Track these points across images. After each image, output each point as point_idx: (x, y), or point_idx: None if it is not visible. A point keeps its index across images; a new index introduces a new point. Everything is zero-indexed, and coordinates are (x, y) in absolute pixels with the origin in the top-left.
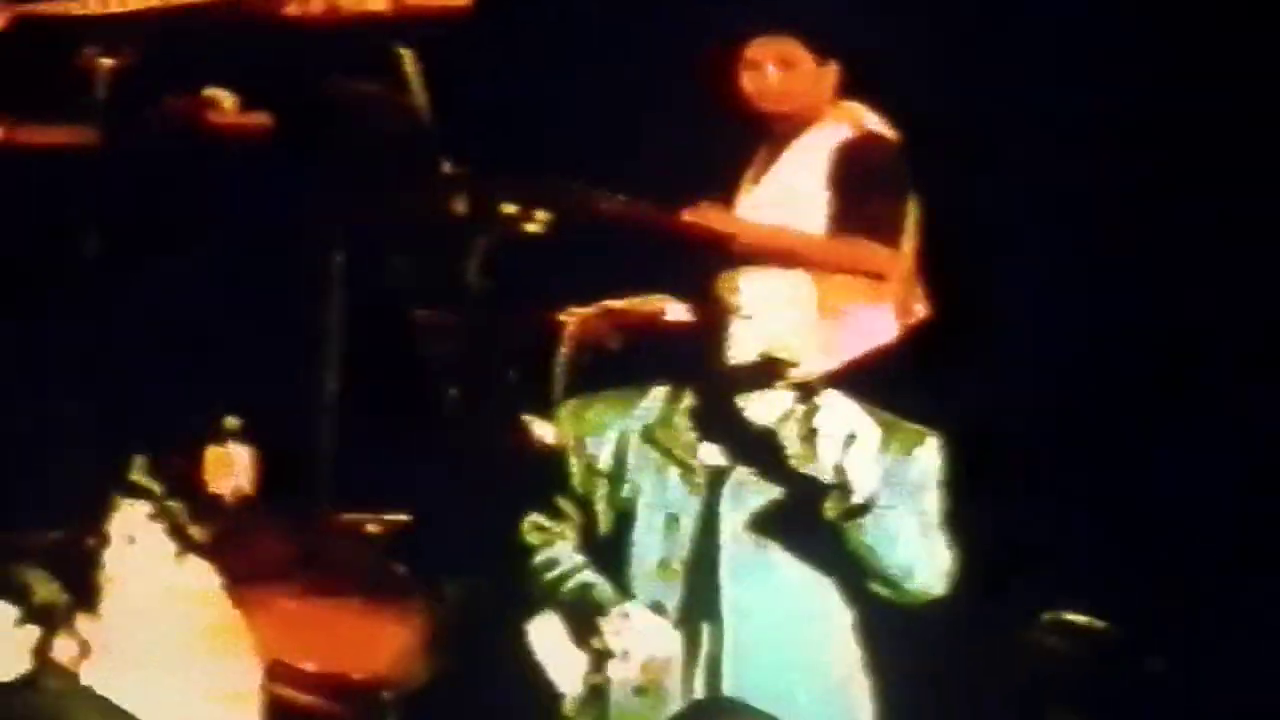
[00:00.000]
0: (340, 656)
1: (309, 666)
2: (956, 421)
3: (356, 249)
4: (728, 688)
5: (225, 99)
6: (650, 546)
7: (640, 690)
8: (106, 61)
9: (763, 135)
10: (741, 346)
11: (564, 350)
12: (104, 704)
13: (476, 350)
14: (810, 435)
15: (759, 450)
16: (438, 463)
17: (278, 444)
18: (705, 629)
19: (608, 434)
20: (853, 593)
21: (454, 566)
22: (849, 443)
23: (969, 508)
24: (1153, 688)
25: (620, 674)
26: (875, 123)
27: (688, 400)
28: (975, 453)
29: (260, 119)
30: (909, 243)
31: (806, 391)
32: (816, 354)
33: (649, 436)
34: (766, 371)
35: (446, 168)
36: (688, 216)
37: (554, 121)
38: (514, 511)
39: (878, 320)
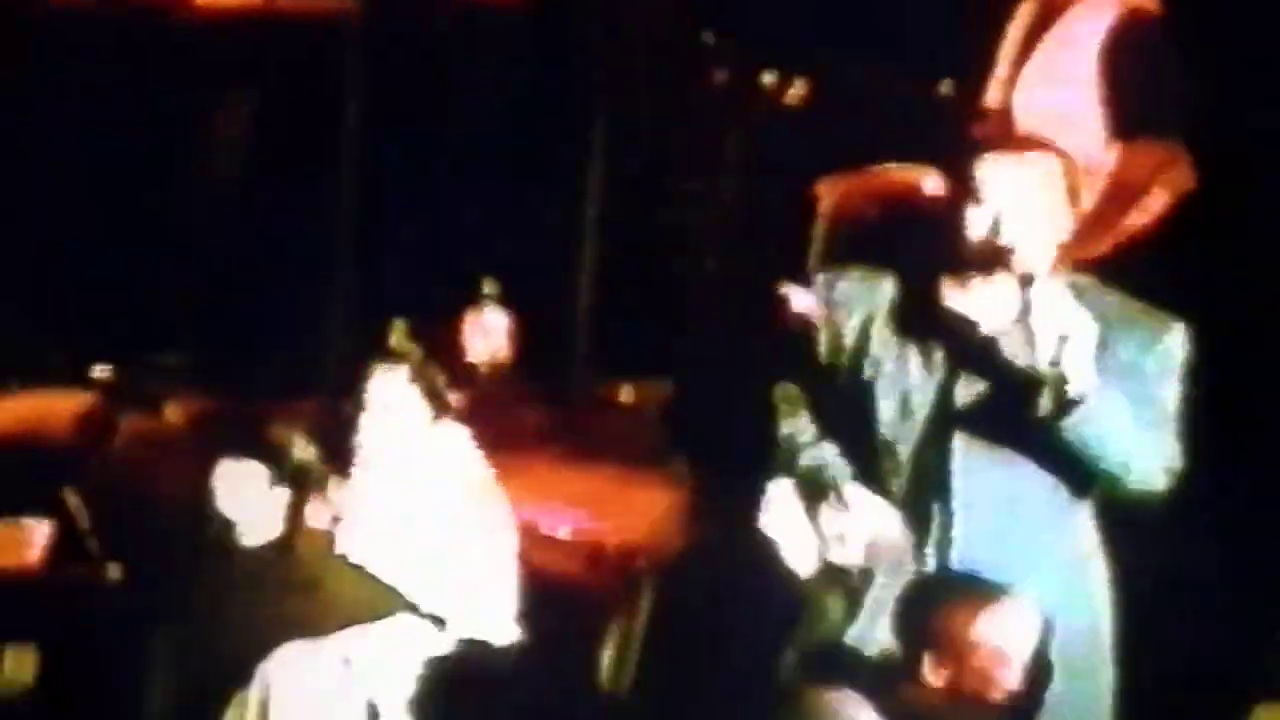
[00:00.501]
0: (595, 524)
1: (563, 533)
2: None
3: (617, 118)
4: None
5: None
6: (885, 427)
7: (864, 573)
8: None
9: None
10: (977, 230)
11: (821, 220)
12: (357, 569)
13: (734, 220)
14: (1028, 329)
15: (982, 340)
16: (694, 332)
17: (536, 311)
18: (935, 512)
19: (855, 310)
20: (1080, 485)
21: (710, 435)
22: (1063, 340)
23: (1223, 398)
24: None
25: (842, 558)
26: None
27: (921, 285)
28: (1231, 338)
29: None
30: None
31: (1026, 283)
32: (1048, 245)
33: (893, 317)
34: (992, 259)
35: (708, 38)
36: (949, 88)
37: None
38: (768, 381)
39: (1150, 199)
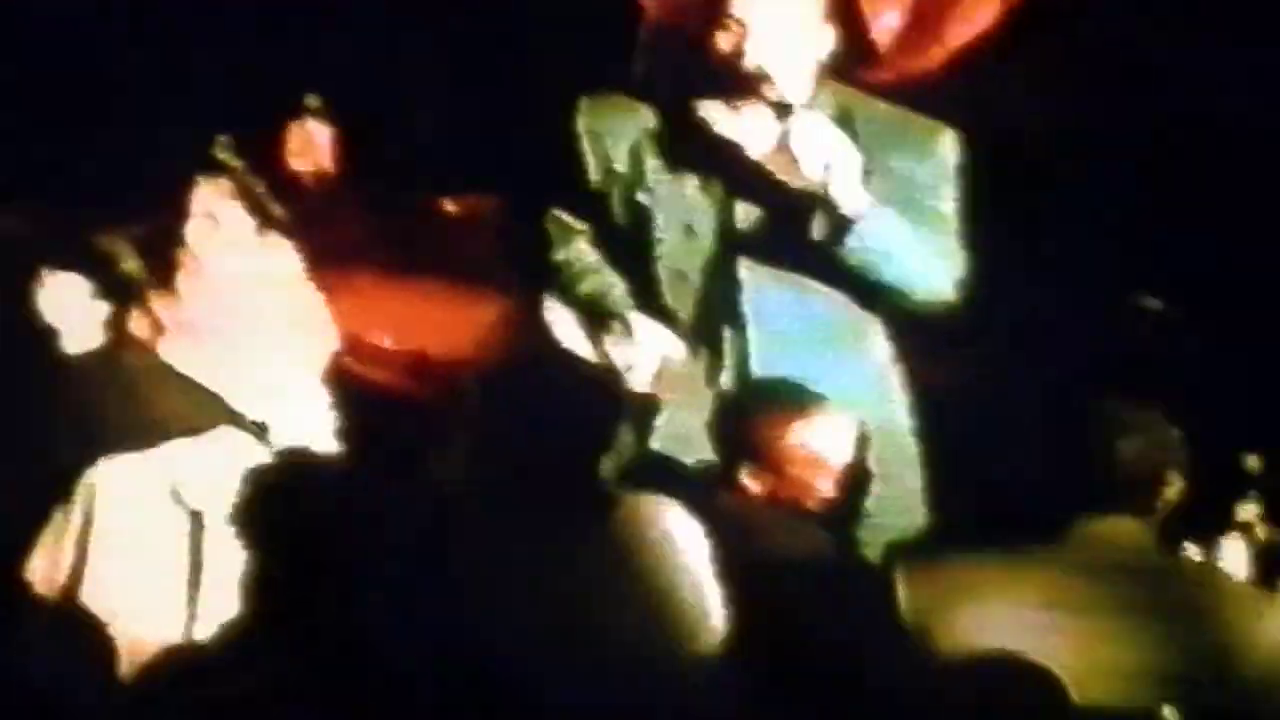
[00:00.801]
0: (419, 335)
1: (386, 342)
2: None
3: None
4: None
5: None
6: (666, 255)
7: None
8: None
9: None
10: (729, 52)
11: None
12: (181, 379)
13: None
14: (791, 155)
15: (752, 165)
16: (516, 143)
17: (361, 123)
18: (727, 335)
19: (621, 137)
20: (868, 300)
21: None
22: (827, 166)
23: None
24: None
25: (629, 386)
26: None
27: (681, 110)
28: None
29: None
30: None
31: (782, 110)
32: (807, 66)
33: (659, 143)
34: (746, 82)
35: None
36: None
37: None
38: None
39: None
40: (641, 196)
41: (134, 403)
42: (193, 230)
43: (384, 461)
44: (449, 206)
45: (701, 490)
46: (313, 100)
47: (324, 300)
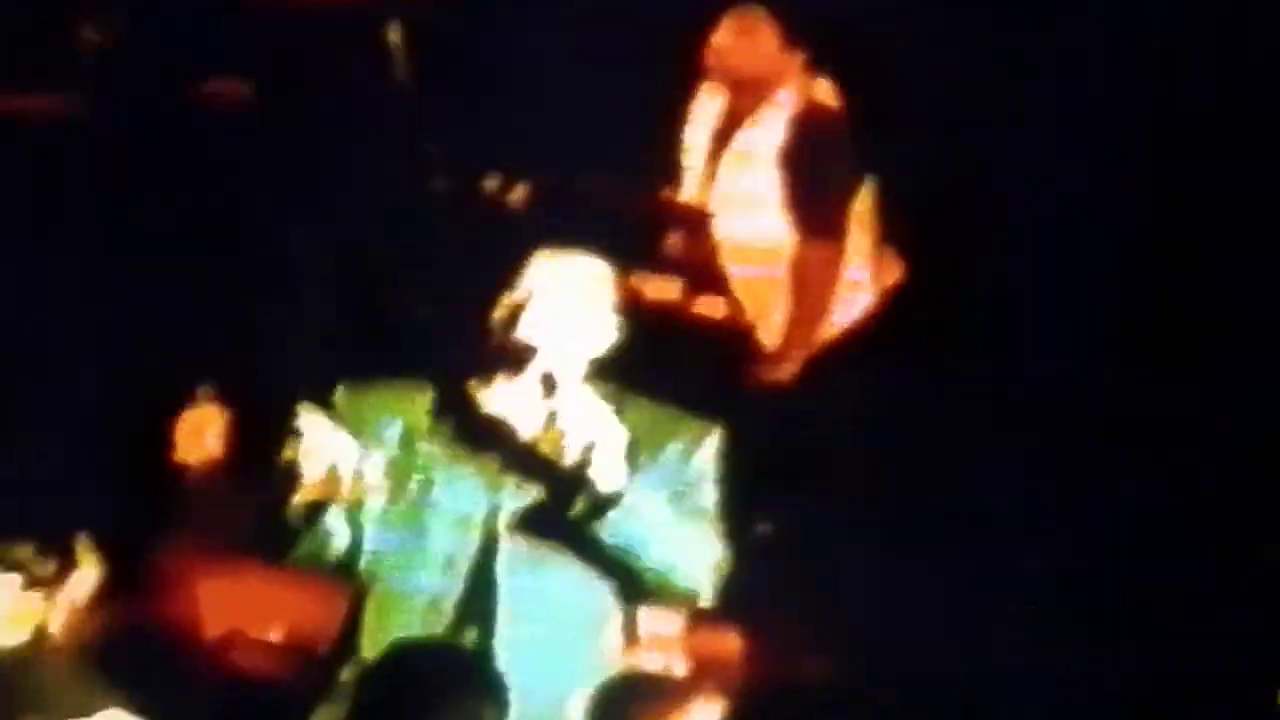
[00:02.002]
0: (304, 627)
1: (272, 635)
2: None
3: (336, 222)
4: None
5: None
6: (439, 543)
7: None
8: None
9: (729, 103)
10: (508, 328)
11: None
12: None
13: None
14: (559, 433)
15: (522, 445)
16: None
17: (248, 410)
18: (480, 618)
19: (391, 425)
20: (627, 587)
21: None
22: (591, 445)
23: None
24: None
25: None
26: (827, 95)
27: (458, 390)
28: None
29: (242, 90)
30: (865, 212)
31: (549, 387)
32: (584, 351)
33: (434, 427)
34: (518, 359)
35: (428, 145)
36: (666, 195)
37: (530, 98)
38: None
39: (853, 292)
40: (414, 487)
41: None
42: None
43: None
44: None
45: None
46: (206, 388)
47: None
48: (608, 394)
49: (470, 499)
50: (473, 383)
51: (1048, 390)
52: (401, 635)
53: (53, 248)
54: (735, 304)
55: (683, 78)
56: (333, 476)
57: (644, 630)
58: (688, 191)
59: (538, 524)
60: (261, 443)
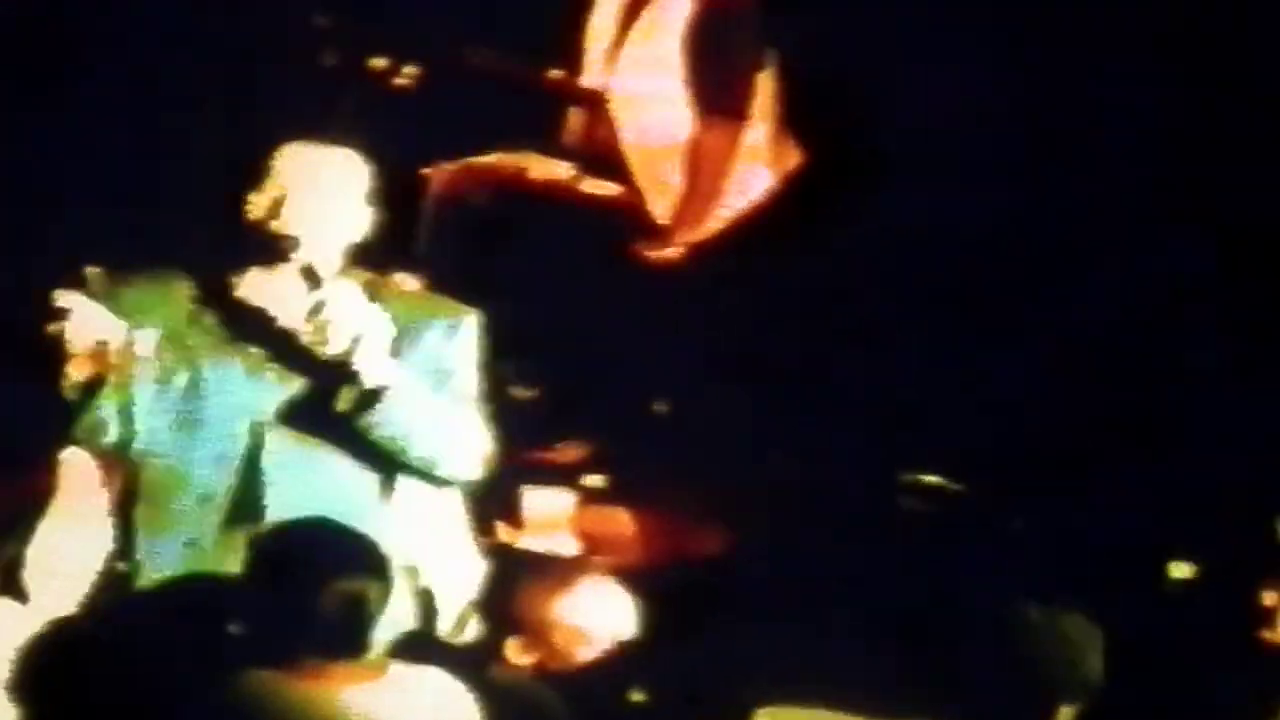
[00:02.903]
0: None
1: None
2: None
3: (230, 101)
4: None
5: None
6: (210, 437)
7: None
8: None
9: None
10: (261, 218)
11: (428, 205)
12: None
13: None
14: (321, 325)
15: (284, 334)
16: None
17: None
18: (251, 511)
19: (150, 319)
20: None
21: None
22: (355, 337)
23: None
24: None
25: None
26: None
27: (217, 282)
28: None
29: None
30: (768, 94)
31: (311, 278)
32: (340, 241)
33: (195, 320)
34: (276, 250)
35: (318, 20)
36: (556, 73)
37: None
38: None
39: (751, 174)
40: (182, 380)
41: None
42: None
43: None
44: None
45: (471, 663)
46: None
47: None
48: (365, 282)
49: (238, 393)
50: (232, 274)
51: (937, 270)
52: (175, 528)
53: None
54: (629, 183)
55: None
56: (101, 352)
57: (530, 511)
58: (590, 71)
59: (303, 416)
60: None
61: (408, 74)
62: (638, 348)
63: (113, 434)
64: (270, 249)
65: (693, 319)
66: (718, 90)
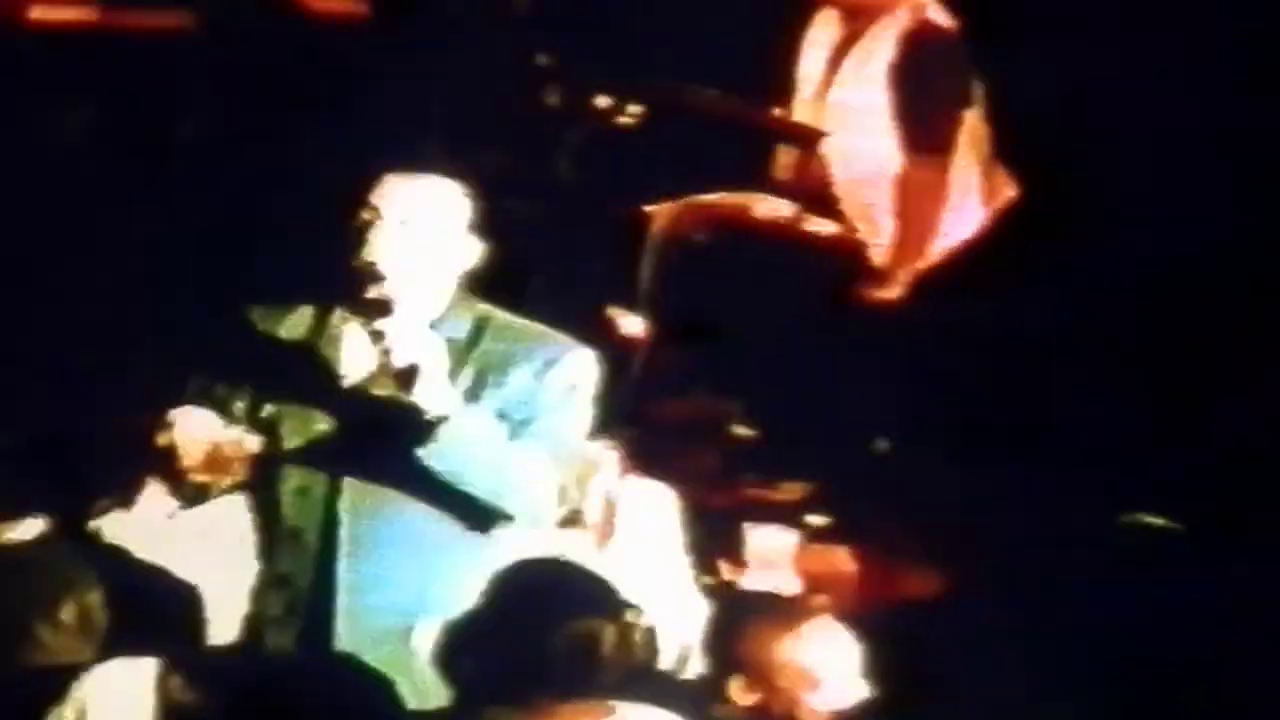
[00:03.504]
0: None
1: None
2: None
3: (448, 138)
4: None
5: None
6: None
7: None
8: None
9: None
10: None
11: (652, 243)
12: None
13: (564, 242)
14: (386, 359)
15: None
16: None
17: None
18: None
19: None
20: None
21: None
22: (414, 367)
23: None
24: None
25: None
26: (937, 14)
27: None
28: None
29: (357, 6)
30: (978, 128)
31: (380, 310)
32: (441, 272)
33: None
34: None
35: (540, 59)
36: (779, 113)
37: (644, 14)
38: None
39: (965, 210)
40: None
41: None
42: None
43: None
44: None
45: (695, 702)
46: None
47: None
48: (477, 315)
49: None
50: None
51: (1160, 310)
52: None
53: (166, 164)
54: (846, 223)
55: (795, 4)
56: (215, 456)
57: (752, 550)
58: (800, 111)
59: (378, 458)
60: None
61: (631, 113)
62: (859, 386)
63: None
64: (365, 282)
65: (913, 358)
66: (926, 126)
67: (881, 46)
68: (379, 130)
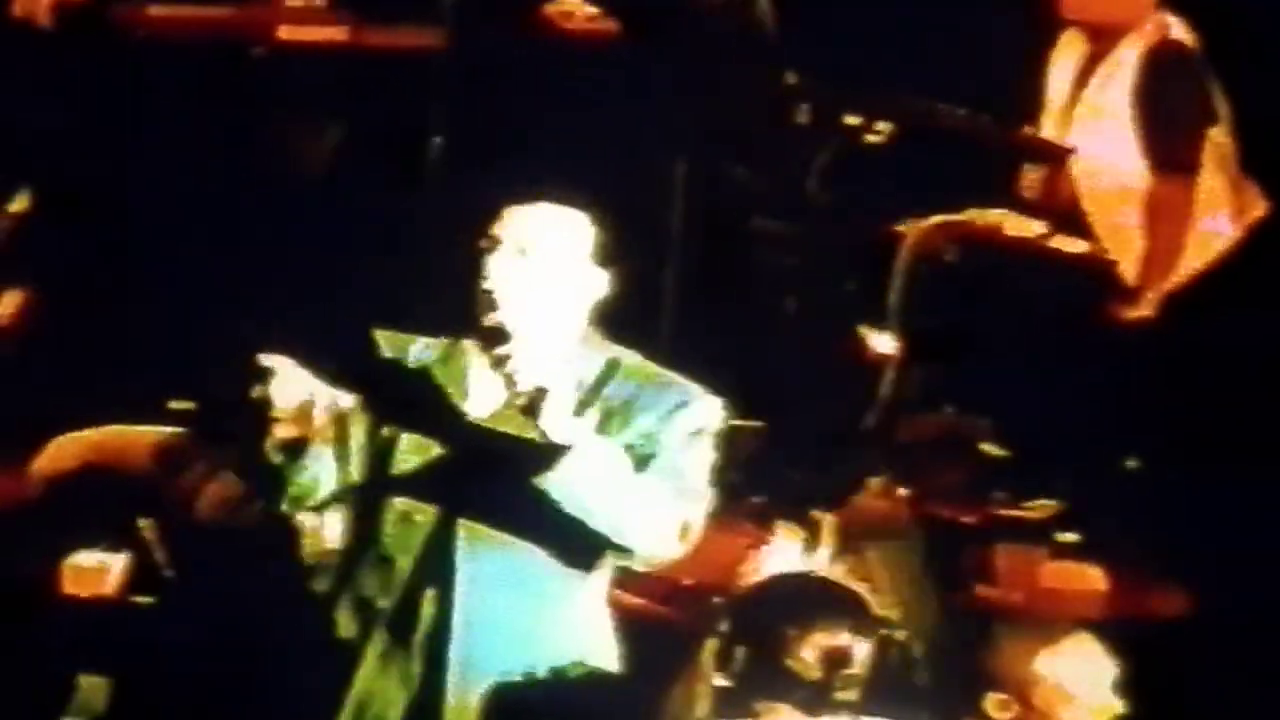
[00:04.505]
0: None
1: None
2: None
3: (699, 157)
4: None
5: (575, 5)
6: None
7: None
8: None
9: (1088, 48)
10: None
11: (902, 262)
12: None
13: (814, 261)
14: (512, 388)
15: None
16: (774, 371)
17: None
18: (434, 599)
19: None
20: (581, 555)
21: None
22: (540, 392)
23: None
24: None
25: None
26: (1181, 32)
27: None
28: None
29: (608, 25)
30: (1224, 145)
31: (501, 337)
32: (571, 303)
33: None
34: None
35: (791, 78)
36: (1026, 131)
37: (890, 34)
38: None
39: (1213, 227)
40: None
41: None
42: None
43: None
44: None
45: (949, 717)
46: None
47: None
48: (605, 355)
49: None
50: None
51: None
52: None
53: (414, 182)
54: (1095, 241)
55: (1040, 24)
56: (305, 412)
57: (1004, 567)
58: (1047, 129)
59: (487, 492)
60: None
61: (879, 131)
62: (1110, 404)
63: (326, 491)
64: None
65: (1163, 376)
66: (1171, 143)
67: (1126, 65)
68: (630, 149)
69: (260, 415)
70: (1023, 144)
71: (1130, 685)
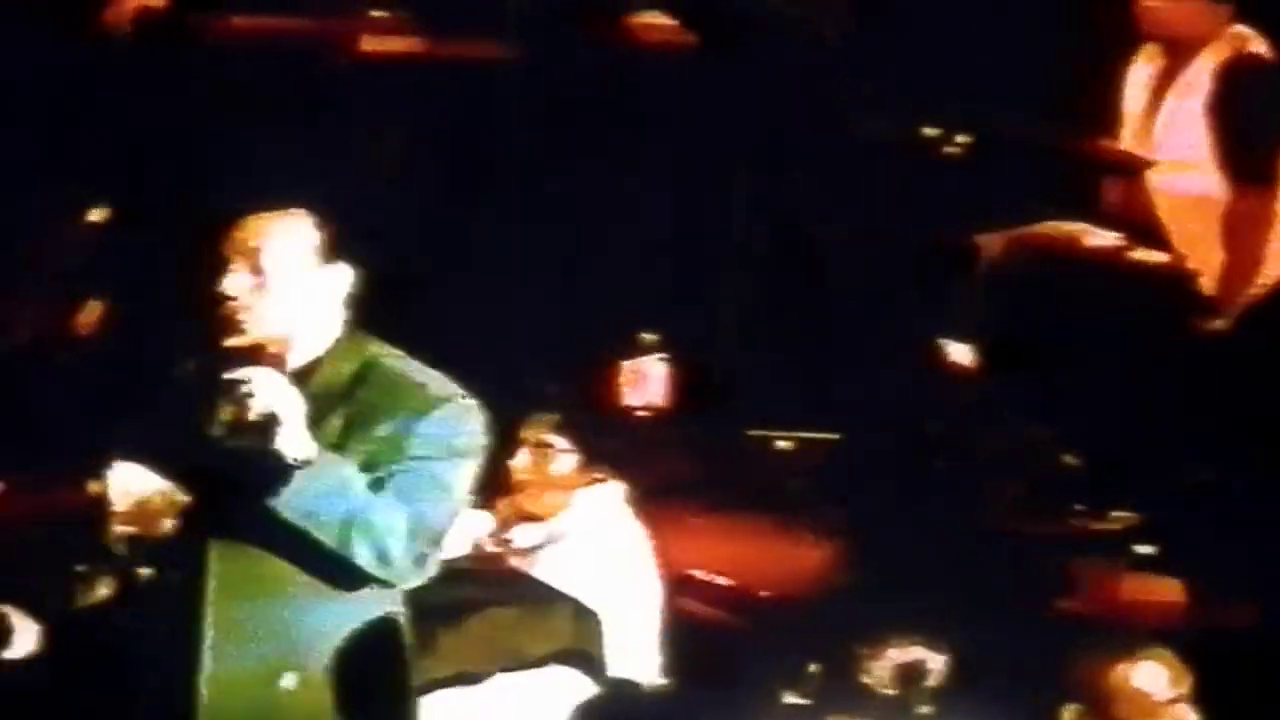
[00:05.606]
0: (746, 571)
1: (717, 580)
2: None
3: (770, 169)
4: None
5: (650, 17)
6: None
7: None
8: None
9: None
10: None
11: (979, 273)
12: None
13: (887, 271)
14: (242, 412)
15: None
16: (847, 382)
17: (693, 362)
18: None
19: None
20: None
21: (863, 485)
22: (271, 415)
23: None
24: None
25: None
26: (1258, 45)
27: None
28: None
29: (684, 37)
30: None
31: (240, 360)
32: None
33: None
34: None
35: (865, 88)
36: (1104, 143)
37: (969, 47)
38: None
39: None
40: None
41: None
42: (519, 462)
43: (707, 698)
44: (778, 443)
45: None
46: (647, 337)
47: (651, 536)
48: (360, 358)
49: None
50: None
51: None
52: None
53: (486, 192)
54: (1174, 253)
55: (1119, 38)
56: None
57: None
58: (1125, 142)
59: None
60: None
61: (958, 143)
62: (1186, 416)
63: None
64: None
65: (1241, 388)
66: (1249, 156)
67: (1202, 78)
68: (705, 158)
69: (98, 512)
70: (1100, 156)
71: (1206, 697)
